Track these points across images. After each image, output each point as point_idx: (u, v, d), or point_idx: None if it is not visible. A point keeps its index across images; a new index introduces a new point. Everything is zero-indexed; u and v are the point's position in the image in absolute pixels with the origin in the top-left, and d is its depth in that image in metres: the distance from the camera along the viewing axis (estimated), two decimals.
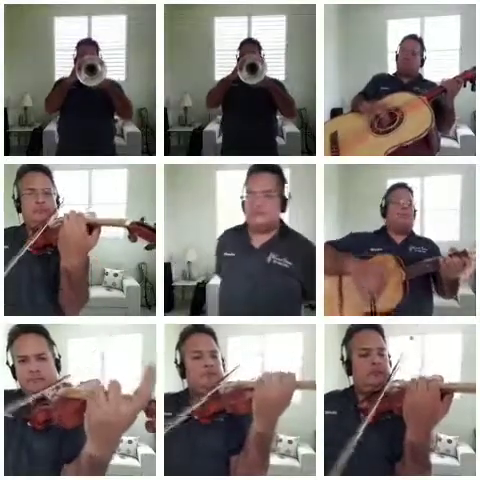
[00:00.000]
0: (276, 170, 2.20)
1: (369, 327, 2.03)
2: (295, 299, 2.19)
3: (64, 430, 1.74)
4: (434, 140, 2.48)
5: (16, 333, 1.94)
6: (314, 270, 2.19)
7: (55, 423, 1.74)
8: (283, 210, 2.21)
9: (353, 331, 2.04)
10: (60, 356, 1.98)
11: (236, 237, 2.26)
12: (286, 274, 2.16)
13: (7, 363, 1.92)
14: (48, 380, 1.87)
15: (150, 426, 1.68)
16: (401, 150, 2.38)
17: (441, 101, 2.51)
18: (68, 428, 1.70)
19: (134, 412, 1.52)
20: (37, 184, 2.11)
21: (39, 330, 1.95)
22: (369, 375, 1.95)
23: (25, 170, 2.14)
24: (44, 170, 2.15)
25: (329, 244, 2.35)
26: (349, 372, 2.02)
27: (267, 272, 2.16)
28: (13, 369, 1.92)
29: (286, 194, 2.20)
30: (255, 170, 2.21)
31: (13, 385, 1.94)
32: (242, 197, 2.22)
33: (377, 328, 2.04)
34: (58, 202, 2.14)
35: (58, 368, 1.94)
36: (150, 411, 1.61)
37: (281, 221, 2.23)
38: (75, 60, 2.67)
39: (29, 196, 2.10)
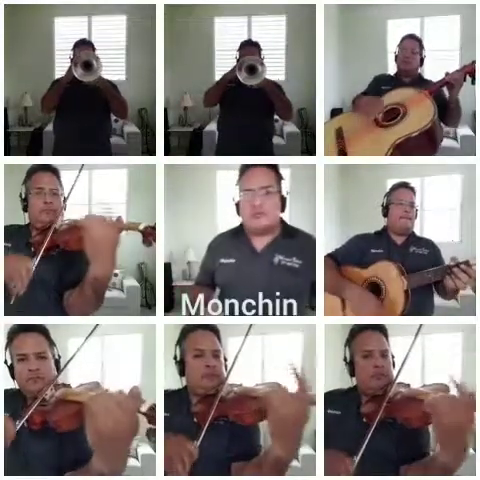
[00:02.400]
0: (272, 166, 2.09)
1: (372, 328, 2.02)
2: (303, 301, 2.09)
3: (64, 432, 1.73)
4: (437, 132, 2.49)
5: (16, 332, 1.93)
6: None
7: (51, 426, 1.72)
8: (283, 209, 2.09)
9: (356, 332, 2.03)
10: (60, 357, 1.97)
11: (233, 241, 2.13)
12: (296, 275, 2.05)
13: (5, 362, 1.90)
14: (47, 379, 1.86)
15: (152, 434, 1.66)
16: (407, 141, 2.38)
17: (444, 96, 2.52)
18: (63, 431, 1.68)
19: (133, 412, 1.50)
20: (46, 184, 2.12)
21: (40, 329, 1.94)
22: (372, 378, 1.94)
23: (35, 170, 2.16)
24: (53, 170, 2.16)
25: (329, 258, 2.32)
26: (352, 373, 2.01)
27: (274, 275, 2.05)
28: (11, 369, 1.90)
29: (284, 192, 2.08)
30: (250, 166, 2.09)
31: (11, 385, 1.93)
32: (235, 199, 2.10)
33: (381, 329, 2.02)
34: (64, 203, 2.15)
35: (58, 368, 1.93)
36: (152, 418, 1.59)
37: (282, 220, 2.12)
38: (72, 61, 2.68)
39: (37, 195, 2.11)
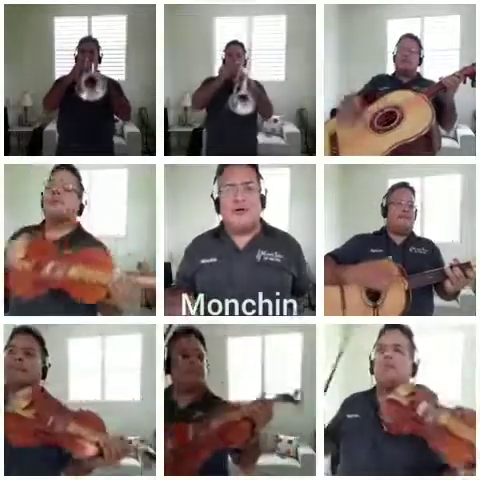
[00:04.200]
0: (252, 164, 2.12)
1: (394, 327, 2.10)
2: (286, 296, 2.09)
3: None
4: (435, 137, 2.47)
5: (16, 331, 2.02)
6: (303, 265, 2.14)
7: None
8: (263, 207, 2.11)
9: (381, 332, 2.12)
10: (50, 365, 2.03)
11: (214, 241, 2.12)
12: (279, 269, 2.07)
13: None
14: (30, 375, 1.95)
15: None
16: (402, 148, 2.37)
17: (441, 99, 2.51)
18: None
19: None
20: (60, 180, 2.13)
21: (36, 334, 2.02)
22: (380, 367, 2.04)
23: (55, 168, 2.18)
24: (72, 169, 2.18)
25: (329, 256, 2.34)
26: (371, 371, 2.10)
27: (258, 271, 2.06)
28: None
29: (263, 191, 2.10)
30: (229, 164, 2.13)
31: None
32: (213, 195, 2.12)
33: (402, 328, 2.10)
34: (81, 206, 2.17)
35: (44, 375, 2.01)
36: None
37: (261, 219, 2.13)
38: (76, 59, 2.71)
39: (47, 190, 2.13)
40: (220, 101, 2.77)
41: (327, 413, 2.15)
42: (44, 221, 2.14)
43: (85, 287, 1.91)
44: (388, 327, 2.10)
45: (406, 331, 2.10)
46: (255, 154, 2.83)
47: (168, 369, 2.11)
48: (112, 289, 1.91)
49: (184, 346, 2.08)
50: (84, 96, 2.60)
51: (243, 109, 2.71)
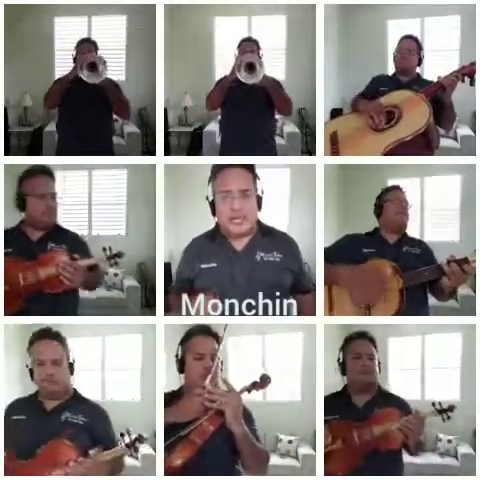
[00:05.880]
0: (248, 166, 2.06)
1: (363, 337, 2.28)
2: (287, 294, 2.09)
3: None
4: (433, 136, 2.48)
5: (36, 338, 2.11)
6: (302, 262, 2.14)
7: None
8: (259, 209, 2.08)
9: (349, 340, 2.30)
10: (74, 361, 2.15)
11: (212, 245, 2.10)
12: (278, 268, 2.08)
13: (26, 366, 2.12)
14: (61, 383, 2.09)
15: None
16: (401, 146, 2.38)
17: (440, 98, 2.52)
18: None
19: None
20: (45, 189, 2.30)
21: (57, 337, 2.12)
22: (359, 374, 2.23)
23: (32, 173, 2.31)
24: (50, 174, 2.33)
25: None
26: (343, 372, 2.28)
27: (258, 271, 2.06)
28: (31, 371, 2.11)
29: (259, 192, 2.06)
30: (225, 166, 2.07)
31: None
32: (208, 197, 2.08)
33: (370, 338, 2.28)
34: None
35: (71, 371, 2.14)
36: None
37: (258, 221, 2.11)
38: (74, 59, 2.71)
39: (35, 199, 2.28)
40: (233, 99, 2.71)
41: None
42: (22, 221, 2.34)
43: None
44: (357, 336, 2.28)
45: (371, 339, 2.28)
46: (275, 154, 2.78)
47: (182, 368, 2.05)
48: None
49: (198, 348, 2.03)
50: (85, 78, 2.59)
51: (250, 79, 2.57)
